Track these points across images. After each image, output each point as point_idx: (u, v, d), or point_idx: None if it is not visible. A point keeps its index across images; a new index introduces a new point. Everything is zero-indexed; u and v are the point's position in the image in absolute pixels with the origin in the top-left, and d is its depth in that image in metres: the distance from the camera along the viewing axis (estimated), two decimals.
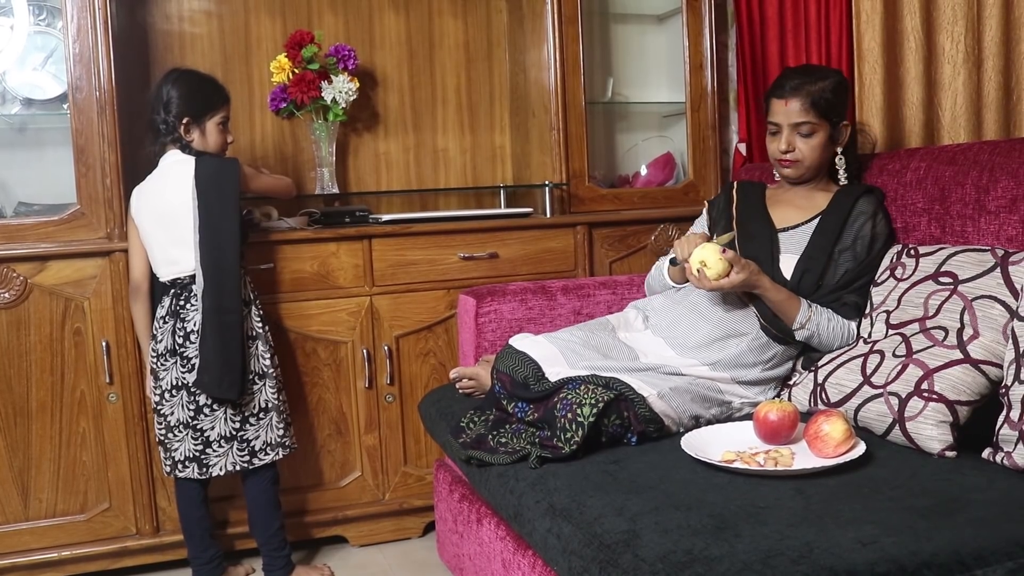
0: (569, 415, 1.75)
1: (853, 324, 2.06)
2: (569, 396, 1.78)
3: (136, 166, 2.49)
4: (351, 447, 2.72)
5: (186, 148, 2.35)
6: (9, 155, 2.74)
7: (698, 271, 1.97)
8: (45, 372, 2.47)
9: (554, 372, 1.93)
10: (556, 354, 1.99)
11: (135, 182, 2.40)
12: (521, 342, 2.03)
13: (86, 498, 2.53)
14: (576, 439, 1.72)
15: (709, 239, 2.09)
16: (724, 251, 1.96)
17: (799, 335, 2.04)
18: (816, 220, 2.13)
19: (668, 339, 2.09)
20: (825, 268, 2.07)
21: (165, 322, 2.33)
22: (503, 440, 1.87)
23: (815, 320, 2.03)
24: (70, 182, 2.50)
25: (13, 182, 2.74)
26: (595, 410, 1.74)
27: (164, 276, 2.35)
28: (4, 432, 2.45)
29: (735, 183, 2.34)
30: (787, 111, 2.13)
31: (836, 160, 2.20)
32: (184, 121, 2.33)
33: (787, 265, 2.10)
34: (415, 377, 2.75)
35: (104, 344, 2.48)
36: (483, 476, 1.86)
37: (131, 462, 2.53)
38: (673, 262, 2.24)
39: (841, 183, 2.20)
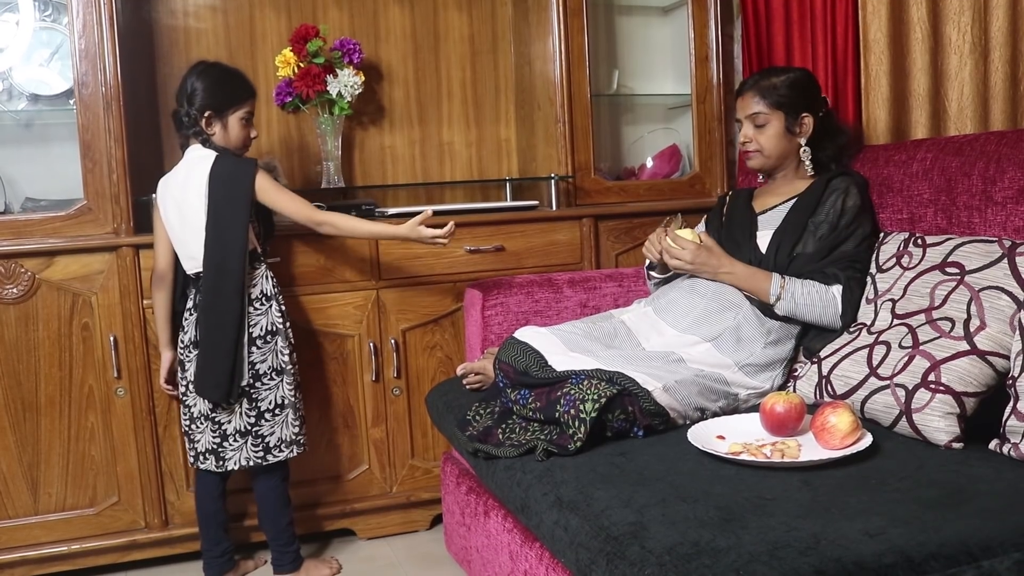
0: (572, 411, 1.75)
1: (834, 288, 2.08)
2: (572, 392, 1.78)
3: (141, 161, 2.50)
4: (358, 440, 2.72)
5: (207, 142, 2.32)
6: (16, 151, 2.75)
7: (667, 231, 2.17)
8: (53, 367, 2.48)
9: (557, 360, 1.94)
10: (558, 343, 2.01)
11: (142, 177, 2.41)
12: (523, 334, 2.05)
13: (95, 492, 2.54)
14: (579, 435, 1.73)
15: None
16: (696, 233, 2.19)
17: (779, 308, 2.08)
18: (793, 200, 2.22)
19: (668, 319, 2.14)
20: (798, 239, 2.14)
21: (191, 314, 2.33)
22: (511, 435, 1.87)
23: (789, 288, 2.07)
24: (77, 177, 2.51)
25: (20, 178, 2.74)
26: (597, 405, 1.74)
27: (188, 270, 2.34)
28: (13, 427, 2.47)
29: (729, 192, 2.47)
30: (743, 105, 2.28)
31: (801, 152, 2.26)
32: (206, 114, 2.31)
33: (763, 241, 2.19)
34: (422, 370, 2.76)
35: (112, 339, 2.49)
36: (490, 469, 1.86)
37: (139, 456, 2.55)
38: (650, 267, 2.37)
39: (809, 174, 2.27)
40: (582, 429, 1.73)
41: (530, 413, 1.87)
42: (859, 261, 2.11)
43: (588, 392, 1.76)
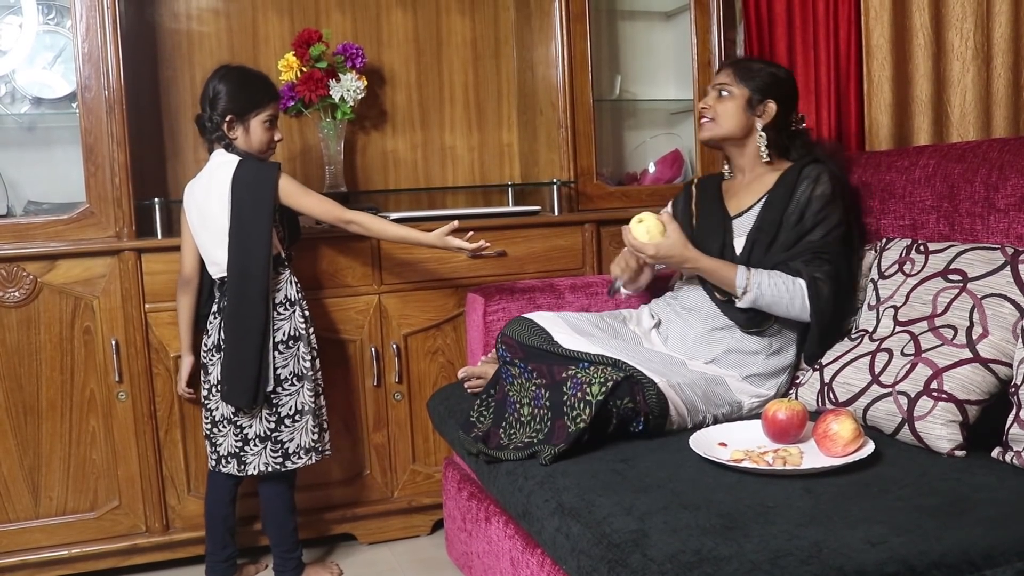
0: (579, 394, 1.74)
1: (801, 281, 2.03)
2: (579, 375, 1.78)
3: (144, 165, 2.49)
4: (360, 445, 2.72)
5: (230, 147, 2.31)
6: (18, 154, 2.75)
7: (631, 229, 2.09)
8: (55, 371, 2.48)
9: (563, 338, 1.96)
10: (564, 325, 2.03)
11: (144, 181, 2.41)
12: (531, 314, 2.08)
13: (96, 496, 2.54)
14: (583, 417, 1.72)
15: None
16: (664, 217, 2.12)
17: (745, 300, 2.04)
18: (765, 198, 2.16)
19: (669, 343, 2.15)
20: (773, 238, 2.10)
21: (215, 317, 2.33)
22: (512, 434, 1.86)
23: (755, 279, 2.03)
24: (79, 181, 2.51)
25: (23, 181, 2.74)
26: (604, 388, 1.74)
27: (213, 274, 2.34)
28: (15, 430, 2.46)
29: (695, 180, 2.40)
30: (716, 77, 2.27)
31: (757, 136, 2.19)
32: (228, 119, 2.29)
33: (740, 246, 2.15)
34: (423, 375, 2.76)
35: (113, 343, 2.49)
36: (492, 474, 1.86)
37: (140, 460, 2.54)
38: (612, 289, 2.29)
39: (764, 160, 2.21)
40: (587, 411, 1.72)
41: (534, 388, 1.86)
42: (826, 252, 2.06)
43: (595, 376, 1.76)
